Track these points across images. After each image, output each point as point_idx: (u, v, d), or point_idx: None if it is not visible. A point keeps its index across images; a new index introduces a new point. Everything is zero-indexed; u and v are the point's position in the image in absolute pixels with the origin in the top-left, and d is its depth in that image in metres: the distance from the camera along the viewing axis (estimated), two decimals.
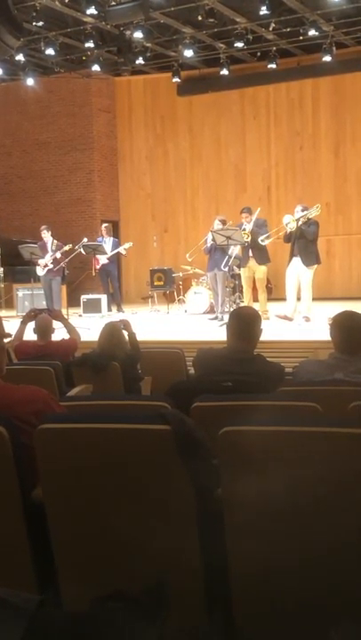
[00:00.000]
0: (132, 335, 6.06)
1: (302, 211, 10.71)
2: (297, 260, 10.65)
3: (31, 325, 6.33)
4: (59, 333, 6.75)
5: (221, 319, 11.05)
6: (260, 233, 11.05)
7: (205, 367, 3.86)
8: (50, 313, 6.75)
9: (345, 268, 16.05)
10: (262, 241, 11.00)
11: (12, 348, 6.22)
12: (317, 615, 2.12)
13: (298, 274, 10.68)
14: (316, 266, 10.84)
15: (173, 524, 2.23)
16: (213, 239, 11.20)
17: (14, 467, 2.34)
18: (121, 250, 13.74)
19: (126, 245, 13.86)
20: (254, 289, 11.50)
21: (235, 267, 12.60)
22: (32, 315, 6.42)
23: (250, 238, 11.02)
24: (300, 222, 10.54)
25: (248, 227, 11.16)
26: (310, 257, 10.68)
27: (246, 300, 11.44)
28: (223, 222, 11.82)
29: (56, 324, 6.50)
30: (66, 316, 8.07)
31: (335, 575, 2.11)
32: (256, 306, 10.48)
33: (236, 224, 11.59)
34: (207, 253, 12.03)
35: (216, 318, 11.57)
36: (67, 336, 6.63)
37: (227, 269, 11.45)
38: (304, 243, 10.61)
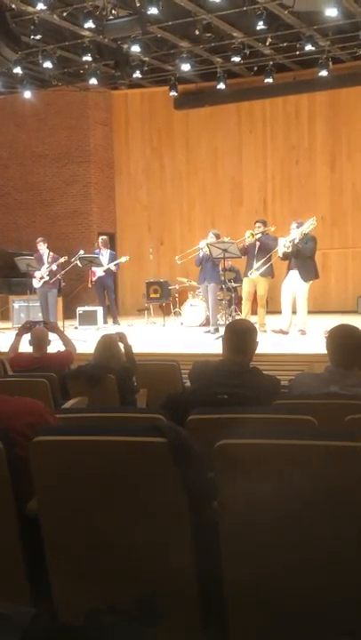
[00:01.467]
0: (127, 347, 6.05)
1: (297, 227, 10.68)
2: (294, 274, 10.61)
3: (27, 337, 6.32)
4: (54, 345, 6.74)
5: (216, 331, 11.04)
6: (268, 244, 11.06)
7: (201, 380, 3.86)
8: (46, 325, 6.74)
9: (341, 282, 16.07)
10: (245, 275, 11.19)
11: (8, 360, 6.22)
12: (315, 627, 2.12)
13: (293, 287, 10.66)
14: (312, 280, 10.84)
15: (170, 536, 2.22)
16: (209, 251, 11.20)
17: (9, 479, 2.34)
18: (112, 265, 13.67)
19: (122, 259, 13.87)
20: (254, 301, 11.47)
21: (231, 280, 12.62)
22: (28, 327, 6.41)
23: (258, 243, 11.08)
24: (296, 240, 10.53)
25: (258, 233, 11.24)
26: (309, 272, 10.65)
27: (244, 313, 11.36)
28: (217, 236, 11.85)
29: (52, 336, 6.50)
30: (62, 328, 8.07)
31: (332, 587, 2.11)
32: (254, 318, 10.49)
33: (237, 237, 11.62)
34: (198, 265, 12.04)
35: (210, 331, 11.54)
36: (62, 348, 6.62)
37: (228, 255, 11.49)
38: (302, 258, 10.59)
